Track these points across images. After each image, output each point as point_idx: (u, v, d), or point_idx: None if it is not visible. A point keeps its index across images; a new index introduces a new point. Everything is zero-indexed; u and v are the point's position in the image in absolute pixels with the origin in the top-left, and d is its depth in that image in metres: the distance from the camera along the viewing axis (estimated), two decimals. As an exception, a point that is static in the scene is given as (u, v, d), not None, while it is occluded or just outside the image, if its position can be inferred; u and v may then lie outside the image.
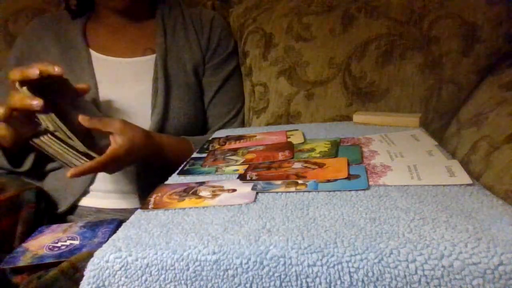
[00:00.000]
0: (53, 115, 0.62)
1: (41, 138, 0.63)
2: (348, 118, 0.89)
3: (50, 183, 0.84)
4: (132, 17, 0.91)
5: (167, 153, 0.79)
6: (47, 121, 0.62)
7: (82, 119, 0.67)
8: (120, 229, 0.43)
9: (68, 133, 0.63)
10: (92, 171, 0.67)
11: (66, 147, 0.64)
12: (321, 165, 0.55)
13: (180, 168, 0.61)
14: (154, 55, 0.89)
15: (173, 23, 0.94)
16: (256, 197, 0.47)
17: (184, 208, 0.46)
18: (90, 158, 0.65)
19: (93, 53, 0.88)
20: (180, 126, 0.88)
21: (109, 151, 0.67)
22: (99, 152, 0.66)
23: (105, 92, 0.84)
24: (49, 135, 0.63)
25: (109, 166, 0.69)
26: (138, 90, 0.86)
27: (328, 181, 0.49)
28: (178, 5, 0.98)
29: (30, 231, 0.67)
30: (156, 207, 0.47)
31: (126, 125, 0.71)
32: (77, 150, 0.64)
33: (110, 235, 0.57)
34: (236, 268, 0.36)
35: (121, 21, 0.91)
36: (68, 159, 0.64)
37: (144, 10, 0.93)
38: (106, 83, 0.85)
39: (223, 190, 0.50)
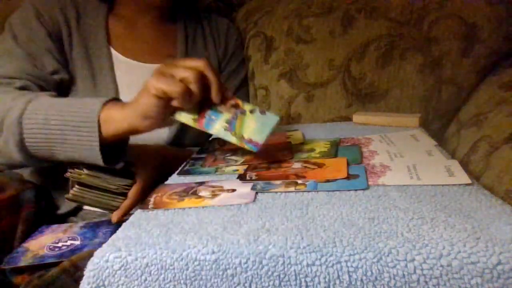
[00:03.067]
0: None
1: (73, 191, 0.63)
2: (348, 119, 0.89)
3: (52, 182, 0.84)
4: (157, 18, 0.88)
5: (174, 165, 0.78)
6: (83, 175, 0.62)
7: None
8: (120, 229, 0.43)
9: (106, 179, 0.63)
10: (132, 207, 0.65)
11: (101, 192, 0.64)
12: (320, 165, 0.55)
13: (180, 168, 0.61)
14: None
15: (194, 31, 0.93)
16: (255, 197, 0.47)
17: (184, 208, 0.46)
18: (126, 191, 0.65)
19: (113, 52, 0.83)
20: (195, 138, 0.87)
21: (137, 182, 0.65)
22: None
23: (125, 97, 0.82)
24: (77, 186, 0.63)
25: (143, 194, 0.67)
26: None
27: (328, 181, 0.49)
28: (196, 11, 0.97)
29: (31, 231, 0.67)
30: (156, 207, 0.47)
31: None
32: (112, 192, 0.64)
33: (111, 236, 0.57)
34: (235, 268, 0.36)
35: (144, 22, 0.88)
36: (105, 203, 0.65)
37: (171, 11, 0.91)
38: (125, 88, 0.81)
39: (222, 190, 0.50)
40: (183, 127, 0.84)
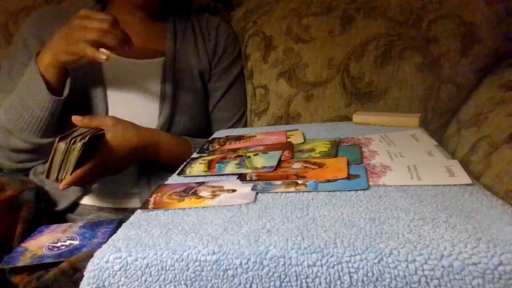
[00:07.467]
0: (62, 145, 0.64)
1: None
2: (347, 118, 0.89)
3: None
4: (146, 17, 0.91)
5: (165, 151, 0.80)
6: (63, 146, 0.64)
7: (75, 119, 0.70)
8: (120, 229, 0.43)
9: (70, 165, 0.65)
10: (83, 177, 0.68)
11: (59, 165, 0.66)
12: (321, 165, 0.55)
13: (180, 168, 0.61)
14: (163, 58, 0.89)
15: (183, 28, 0.95)
16: (256, 197, 0.47)
17: (184, 208, 0.46)
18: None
19: (102, 50, 0.87)
20: (185, 130, 0.89)
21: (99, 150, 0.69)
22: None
23: (112, 92, 0.84)
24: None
25: (107, 164, 0.71)
26: (146, 92, 0.86)
27: (328, 181, 0.49)
28: (188, 11, 0.99)
29: (30, 231, 0.67)
30: (156, 207, 0.47)
31: (118, 122, 0.73)
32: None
33: (109, 236, 0.57)
34: (236, 268, 0.36)
35: (134, 20, 0.90)
36: (56, 168, 0.66)
37: (159, 11, 0.93)
38: (114, 83, 0.85)
39: (223, 190, 0.50)
40: (171, 118, 0.87)
